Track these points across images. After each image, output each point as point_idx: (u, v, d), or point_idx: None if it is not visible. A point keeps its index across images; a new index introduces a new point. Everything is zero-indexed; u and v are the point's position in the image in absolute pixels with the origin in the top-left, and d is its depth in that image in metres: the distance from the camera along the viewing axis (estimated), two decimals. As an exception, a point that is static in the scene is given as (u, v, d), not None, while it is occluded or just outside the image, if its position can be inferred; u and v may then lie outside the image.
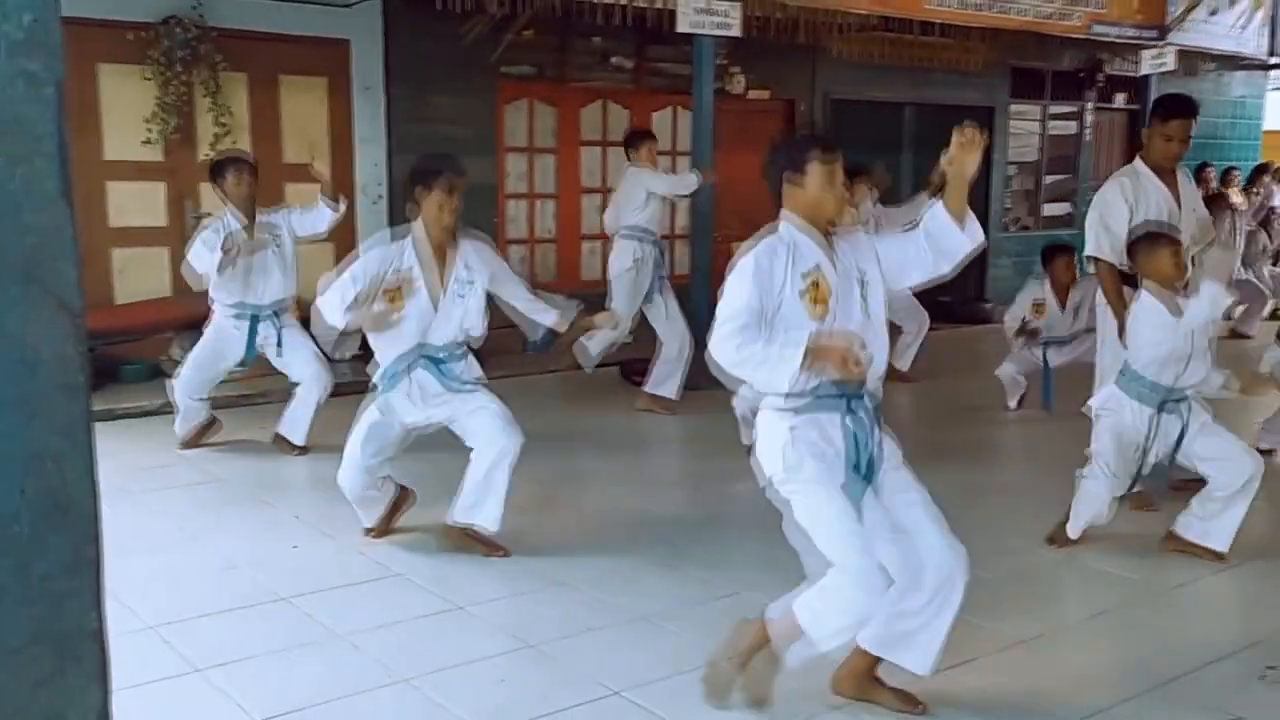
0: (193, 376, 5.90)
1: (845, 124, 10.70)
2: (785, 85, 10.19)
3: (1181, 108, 5.14)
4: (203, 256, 5.67)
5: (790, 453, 2.94)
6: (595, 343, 6.93)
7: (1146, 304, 4.36)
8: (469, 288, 4.39)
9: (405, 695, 3.21)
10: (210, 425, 6.08)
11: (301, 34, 7.97)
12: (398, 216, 8.35)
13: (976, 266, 11.66)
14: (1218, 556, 4.36)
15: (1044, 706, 3.23)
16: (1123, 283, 4.91)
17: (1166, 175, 5.15)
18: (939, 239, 3.01)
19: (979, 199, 11.62)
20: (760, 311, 2.91)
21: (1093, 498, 4.43)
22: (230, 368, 5.97)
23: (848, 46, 9.88)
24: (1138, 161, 5.21)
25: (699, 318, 7.31)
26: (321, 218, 5.99)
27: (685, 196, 7.43)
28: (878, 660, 3.15)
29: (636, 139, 7.15)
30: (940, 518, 3.02)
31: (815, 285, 2.94)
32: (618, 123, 9.57)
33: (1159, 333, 4.28)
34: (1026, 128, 11.94)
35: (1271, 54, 11.45)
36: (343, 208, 6.08)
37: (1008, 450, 6.65)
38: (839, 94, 10.49)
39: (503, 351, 7.92)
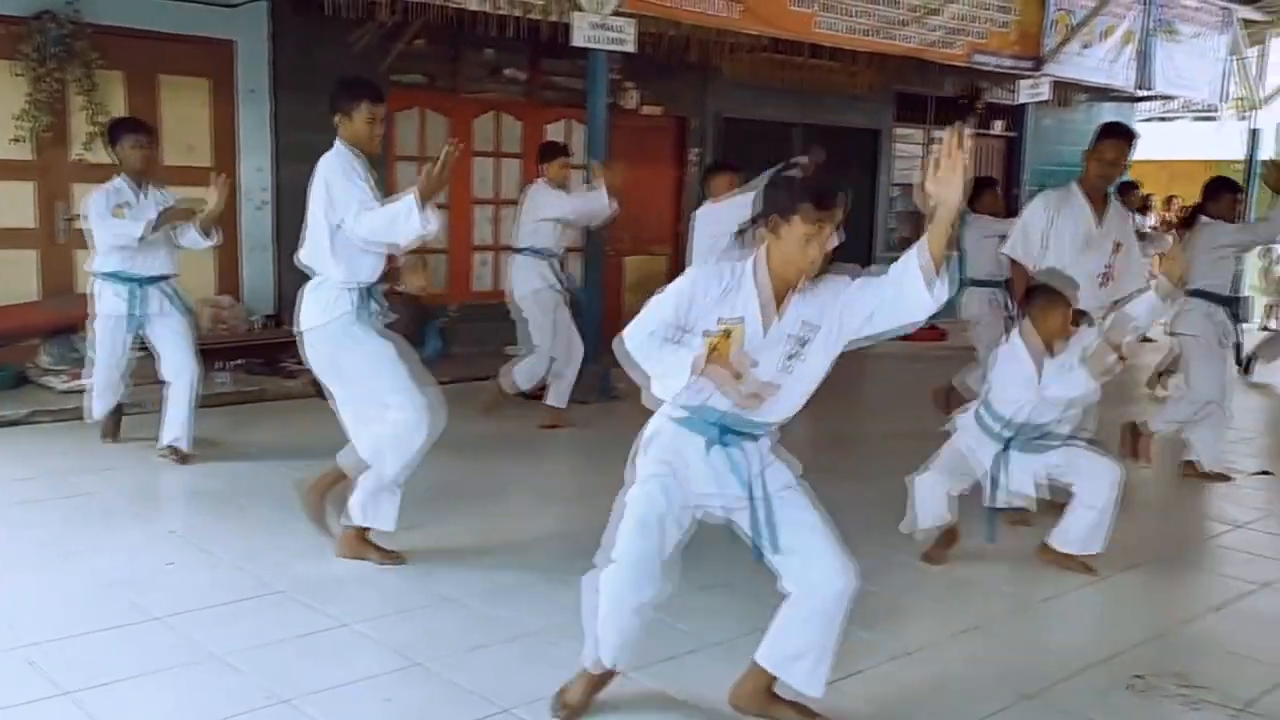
0: (102, 357, 5.77)
1: (736, 143, 10.85)
2: (678, 103, 10.29)
3: (1113, 131, 5.35)
4: (119, 225, 5.54)
5: (648, 445, 3.05)
6: (521, 371, 6.91)
7: (1016, 352, 4.49)
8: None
9: (286, 717, 3.12)
10: (118, 416, 5.94)
11: (183, 33, 7.75)
12: (284, 223, 8.19)
13: (861, 285, 11.95)
14: (1088, 568, 4.53)
15: (926, 718, 3.30)
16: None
17: (1097, 199, 5.35)
18: (905, 291, 2.82)
19: (864, 220, 11.92)
20: (675, 327, 2.93)
21: (924, 495, 4.53)
22: (129, 340, 5.81)
23: (739, 67, 10.03)
24: (1073, 183, 5.42)
25: (592, 332, 7.34)
26: (193, 240, 5.81)
27: (597, 224, 7.23)
28: (775, 677, 3.15)
29: (548, 153, 7.06)
30: (831, 538, 3.02)
31: (725, 334, 2.90)
32: (511, 134, 9.54)
33: (1015, 389, 4.45)
34: (910, 150, 12.28)
35: (1139, 86, 11.99)
36: (214, 241, 5.89)
37: (900, 464, 6.78)
38: (730, 113, 10.64)
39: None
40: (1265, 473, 6.44)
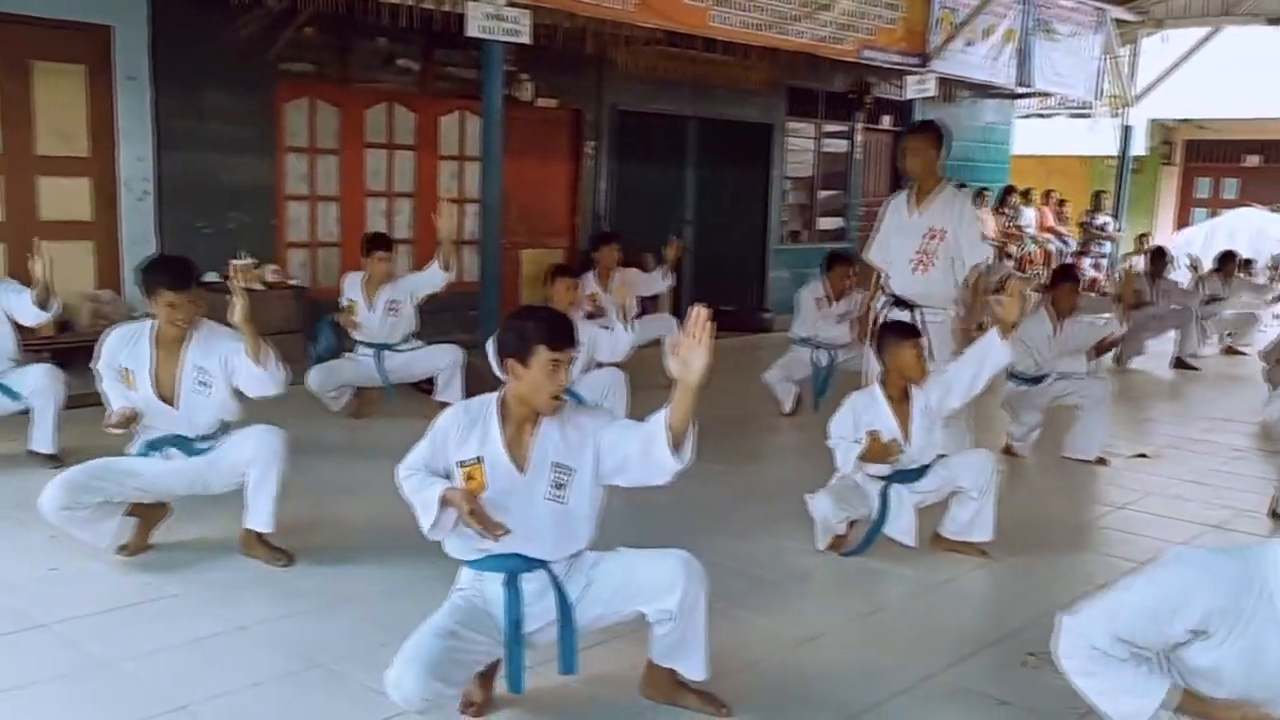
0: None
1: (631, 135, 10.88)
2: (573, 95, 10.25)
3: (913, 126, 5.69)
4: None
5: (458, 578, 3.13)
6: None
7: (876, 403, 4.58)
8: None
9: (183, 723, 3.03)
10: None
11: (58, 18, 7.42)
12: (165, 214, 7.94)
13: (756, 277, 12.09)
14: (981, 552, 4.67)
15: (830, 702, 3.35)
16: None
17: (923, 192, 5.53)
18: (652, 453, 2.91)
19: (759, 211, 12.06)
20: (431, 467, 3.05)
21: (820, 516, 4.61)
22: None
23: (634, 59, 10.04)
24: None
25: (487, 325, 7.28)
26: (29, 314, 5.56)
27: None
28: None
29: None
30: (652, 559, 3.08)
31: (469, 477, 2.97)
32: (404, 126, 9.39)
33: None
34: (802, 145, 12.45)
35: (1019, 83, 12.37)
36: (52, 314, 5.60)
37: (782, 454, 6.89)
38: (625, 105, 10.64)
39: (284, 359, 7.64)
40: (1141, 455, 6.71)
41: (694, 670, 3.16)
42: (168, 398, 4.21)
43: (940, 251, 5.48)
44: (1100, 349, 6.99)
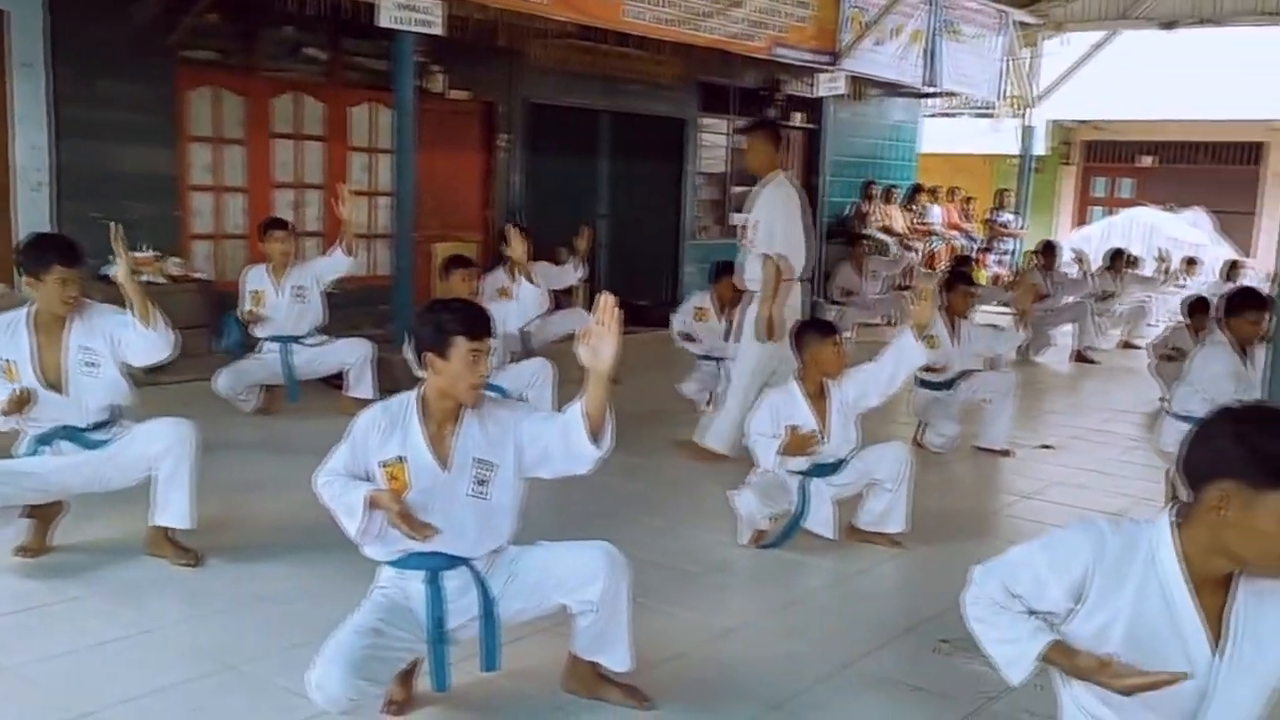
0: None
1: (544, 128, 10.82)
2: (485, 87, 10.16)
3: (749, 125, 6.18)
4: None
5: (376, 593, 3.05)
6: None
7: (793, 399, 4.64)
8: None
9: (89, 731, 2.93)
10: None
11: (-54, -1, 7.12)
12: (63, 205, 7.65)
13: (669, 272, 12.13)
14: (896, 542, 4.74)
15: (752, 691, 3.38)
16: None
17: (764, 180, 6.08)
18: (572, 443, 2.94)
19: (672, 206, 12.10)
20: (351, 470, 3.00)
21: (744, 513, 4.64)
22: None
23: (547, 52, 9.98)
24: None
25: (400, 320, 7.18)
26: None
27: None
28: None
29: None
30: (575, 551, 3.10)
31: (392, 477, 2.94)
32: (313, 116, 9.20)
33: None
34: (714, 140, 12.52)
35: (926, 83, 12.61)
36: None
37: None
38: (538, 98, 10.59)
39: (188, 355, 7.44)
40: (1046, 446, 6.90)
41: (617, 662, 3.15)
42: (55, 384, 4.05)
43: (750, 230, 6.00)
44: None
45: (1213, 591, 2.12)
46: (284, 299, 6.69)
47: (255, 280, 6.75)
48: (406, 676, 3.13)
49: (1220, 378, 5.46)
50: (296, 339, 6.73)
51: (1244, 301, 5.76)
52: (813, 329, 4.77)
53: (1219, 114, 17.26)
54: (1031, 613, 2.24)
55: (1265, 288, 9.94)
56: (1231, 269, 12.37)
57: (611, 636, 3.11)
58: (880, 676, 3.54)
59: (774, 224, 5.86)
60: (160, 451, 4.12)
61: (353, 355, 6.82)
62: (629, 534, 4.34)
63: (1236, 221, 17.96)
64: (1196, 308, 8.47)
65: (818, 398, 4.65)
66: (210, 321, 7.65)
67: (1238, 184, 18.78)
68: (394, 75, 7.59)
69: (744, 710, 3.26)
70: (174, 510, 4.14)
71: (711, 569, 4.48)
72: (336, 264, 6.81)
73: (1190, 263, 13.00)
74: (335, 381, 6.96)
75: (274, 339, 6.70)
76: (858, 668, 3.59)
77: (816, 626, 3.95)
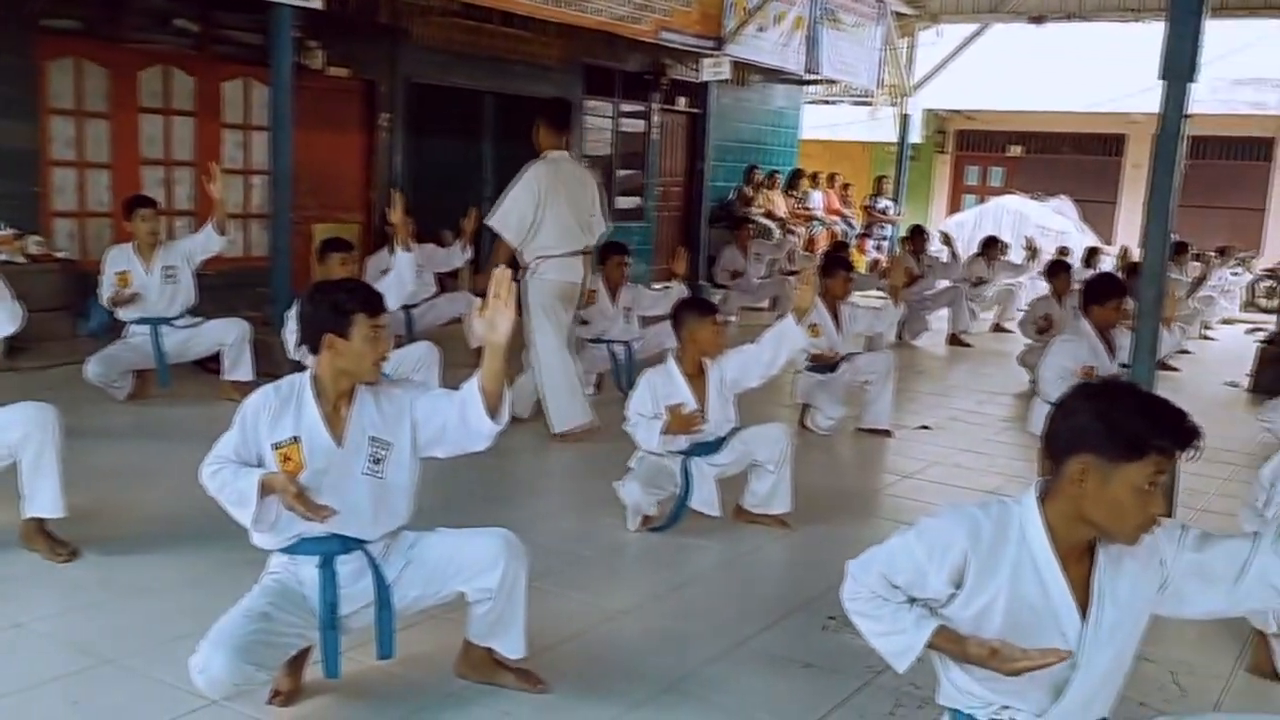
0: None
1: (427, 109, 10.64)
2: (366, 65, 9.93)
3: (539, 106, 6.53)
4: None
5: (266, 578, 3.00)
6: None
7: (672, 378, 4.67)
8: None
9: (-46, 733, 2.78)
10: None
11: None
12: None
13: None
14: (782, 522, 4.82)
15: (644, 672, 3.40)
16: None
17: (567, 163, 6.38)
18: (469, 418, 2.91)
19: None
20: (241, 460, 2.91)
21: (631, 502, 4.64)
22: None
23: (430, 31, 9.82)
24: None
25: (278, 302, 6.98)
26: None
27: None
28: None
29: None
30: (473, 537, 3.07)
31: (285, 458, 2.88)
32: (183, 90, 8.86)
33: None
34: (600, 124, 12.49)
35: (808, 70, 12.80)
36: None
37: (590, 431, 6.92)
38: (420, 78, 10.39)
39: (51, 338, 7.11)
40: (924, 427, 7.10)
41: (512, 648, 3.14)
42: None
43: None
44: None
45: (1078, 561, 2.22)
46: (154, 279, 6.43)
47: (120, 261, 6.46)
48: (295, 665, 3.06)
49: (1066, 373, 5.58)
50: (166, 321, 6.48)
51: (1103, 289, 6.01)
52: (692, 308, 4.80)
53: (1083, 107, 17.98)
54: (912, 601, 2.28)
55: (1116, 269, 10.41)
56: (1091, 255, 12.89)
57: (507, 623, 3.09)
58: (771, 654, 3.59)
59: (504, 200, 6.20)
60: (19, 439, 3.91)
61: (227, 336, 6.59)
62: (518, 518, 4.31)
63: (1099, 210, 18.76)
64: (1056, 270, 8.85)
65: (696, 377, 4.69)
66: (73, 303, 7.32)
67: (1100, 174, 19.60)
68: (270, 50, 7.35)
69: (637, 690, 3.27)
70: (42, 499, 3.94)
71: (602, 552, 4.48)
72: (208, 243, 6.58)
73: (1063, 251, 13.47)
74: (211, 365, 6.74)
75: (142, 321, 6.43)
76: (749, 646, 3.64)
77: (707, 607, 4.00)
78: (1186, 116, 4.67)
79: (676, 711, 3.19)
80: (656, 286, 8.07)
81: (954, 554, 2.21)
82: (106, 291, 6.38)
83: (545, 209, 6.09)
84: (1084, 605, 2.21)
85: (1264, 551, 2.15)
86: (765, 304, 12.05)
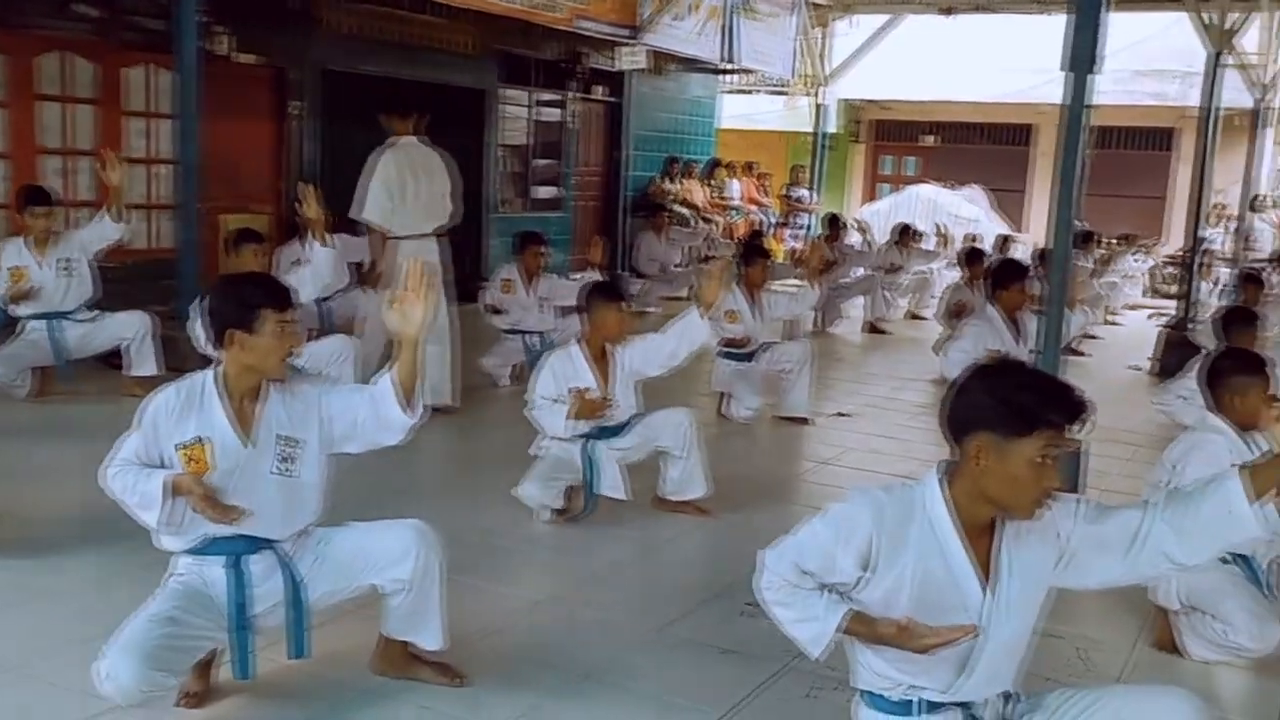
0: None
1: (340, 97, 10.45)
2: (276, 52, 9.71)
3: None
4: None
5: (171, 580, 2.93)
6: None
7: (576, 362, 4.66)
8: None
9: None
10: None
11: None
12: None
13: (471, 246, 11.96)
14: (701, 509, 4.84)
15: (566, 661, 3.39)
16: None
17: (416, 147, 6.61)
18: (382, 412, 2.90)
19: (474, 179, 11.91)
20: (145, 458, 2.84)
21: (534, 503, 4.64)
22: None
23: (342, 17, 9.65)
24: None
25: (186, 295, 6.81)
26: None
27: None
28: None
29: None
30: (384, 530, 3.05)
31: (191, 459, 2.82)
32: (84, 77, 8.58)
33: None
34: (516, 113, 12.38)
35: (724, 59, 12.84)
36: None
37: (507, 421, 6.84)
38: (333, 65, 10.19)
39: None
40: (841, 414, 7.19)
41: (430, 640, 3.10)
42: None
43: None
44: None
45: (980, 539, 2.28)
46: (49, 273, 6.23)
47: (12, 256, 6.23)
48: (204, 667, 2.99)
49: (972, 358, 5.68)
50: (64, 315, 6.27)
51: (1008, 274, 6.16)
52: (598, 293, 4.80)
53: (993, 97, 18.33)
54: (824, 587, 2.31)
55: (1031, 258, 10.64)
56: (1003, 243, 13.17)
57: (423, 615, 3.06)
58: (690, 640, 3.61)
59: (362, 192, 6.43)
60: None
61: (130, 330, 6.41)
62: (435, 510, 4.22)
63: (1010, 198, 19.15)
64: (971, 258, 9.05)
65: (600, 360, 4.69)
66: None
67: (1010, 163, 19.99)
68: (174, 36, 7.15)
69: (557, 680, 3.27)
70: None
71: (520, 543, 4.46)
72: (105, 231, 6.37)
73: (970, 239, 13.72)
74: (116, 361, 6.55)
75: (39, 317, 6.22)
76: (668, 633, 3.66)
77: (627, 595, 4.00)
78: (1089, 107, 4.78)
79: (596, 699, 3.20)
80: (575, 276, 8.04)
81: (861, 537, 2.24)
82: None
83: (398, 192, 6.32)
84: (987, 581, 2.26)
85: (1155, 520, 2.22)
86: (685, 293, 12.09)
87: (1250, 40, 12.81)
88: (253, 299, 2.84)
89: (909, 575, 2.24)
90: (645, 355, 4.70)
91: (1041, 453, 2.13)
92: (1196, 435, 3.62)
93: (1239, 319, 5.29)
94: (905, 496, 2.29)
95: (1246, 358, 3.73)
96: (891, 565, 2.24)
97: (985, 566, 2.27)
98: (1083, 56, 4.70)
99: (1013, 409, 2.14)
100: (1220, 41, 9.27)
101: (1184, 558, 2.22)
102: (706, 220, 13.95)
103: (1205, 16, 9.29)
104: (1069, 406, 2.16)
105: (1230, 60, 10.32)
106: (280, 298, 2.88)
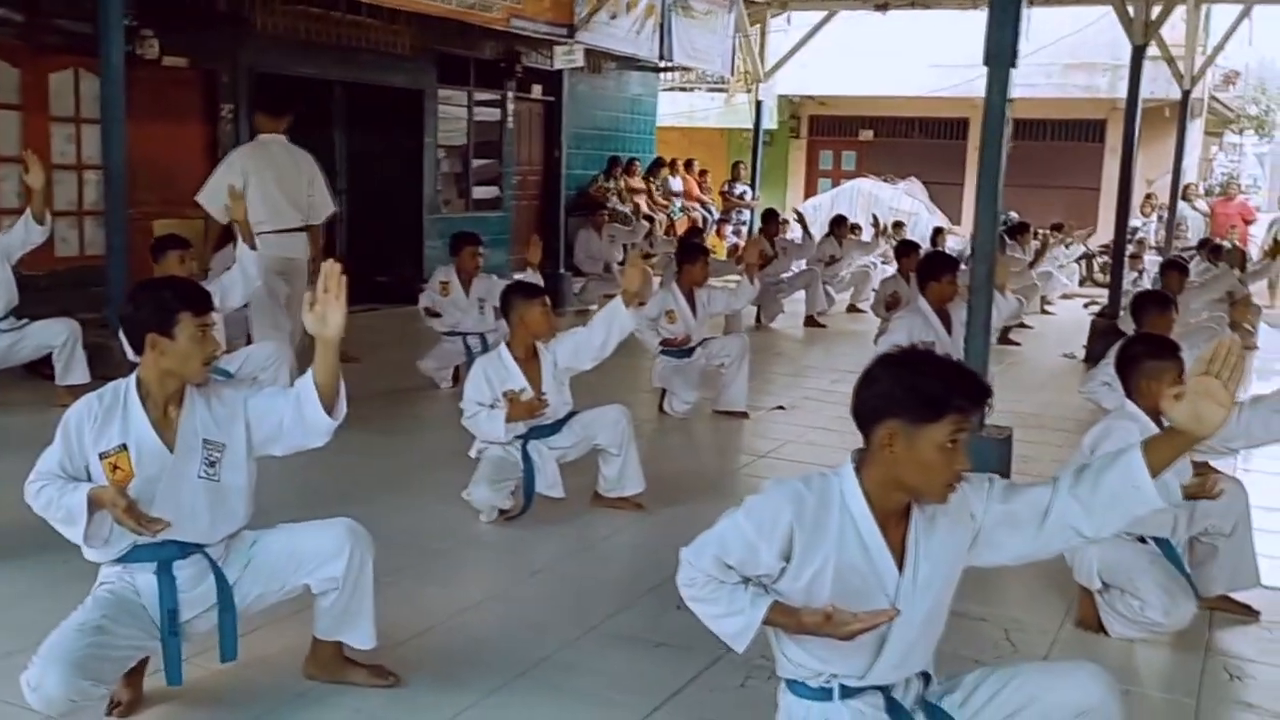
0: None
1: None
2: (206, 55, 9.59)
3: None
4: None
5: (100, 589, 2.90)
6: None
7: (505, 364, 4.67)
8: None
9: None
10: None
11: None
12: None
13: (412, 247, 11.91)
14: (638, 505, 4.87)
15: (501, 659, 3.41)
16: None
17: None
18: (306, 414, 2.86)
19: (412, 180, 11.86)
20: (67, 475, 2.81)
21: (484, 506, 4.63)
22: None
23: (274, 19, 9.55)
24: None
25: (117, 301, 6.71)
26: None
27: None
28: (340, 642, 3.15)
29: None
30: (311, 530, 3.05)
31: (114, 468, 2.80)
32: (7, 81, 8.42)
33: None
34: (454, 113, 12.33)
35: (661, 57, 12.88)
36: None
37: (444, 423, 6.82)
38: (265, 67, 10.09)
39: None
40: (779, 408, 7.26)
41: (362, 639, 3.10)
42: None
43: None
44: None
45: (896, 524, 2.33)
46: None
47: None
48: (134, 675, 2.97)
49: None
50: None
51: (936, 266, 6.26)
52: (519, 292, 4.81)
53: (927, 91, 18.57)
54: (746, 580, 2.35)
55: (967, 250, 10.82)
56: (936, 235, 13.36)
57: (355, 614, 3.06)
58: (624, 635, 3.64)
59: (210, 179, 6.79)
60: None
61: (55, 338, 6.30)
62: (372, 513, 4.21)
63: (947, 191, 19.40)
64: (904, 250, 9.18)
65: (529, 360, 4.70)
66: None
67: (946, 156, 20.25)
68: (100, 39, 7.05)
69: (491, 678, 3.28)
70: None
71: (458, 544, 4.47)
72: (28, 235, 6.25)
73: (898, 226, 13.88)
74: (47, 370, 6.44)
75: None
76: (603, 628, 3.68)
77: (562, 592, 4.02)
78: (1010, 100, 4.88)
79: (531, 696, 3.22)
80: (519, 276, 8.03)
81: (781, 527, 2.28)
82: None
83: (251, 187, 6.49)
84: (902, 564, 2.32)
85: (1062, 496, 2.28)
86: (625, 291, 12.10)
87: (1180, 32, 13.12)
88: (169, 304, 2.82)
89: (830, 564, 2.28)
90: (575, 350, 4.72)
91: (950, 437, 2.19)
92: (1112, 421, 3.71)
93: (1152, 303, 5.39)
94: (823, 486, 2.33)
95: (1158, 342, 3.82)
96: (812, 555, 2.28)
97: (900, 552, 2.32)
98: (1002, 51, 4.79)
99: (920, 396, 2.19)
100: (1143, 34, 9.47)
101: (1091, 531, 2.28)
102: (648, 218, 14.00)
103: (1129, 9, 9.47)
104: (974, 391, 2.23)
105: (1155, 52, 10.55)
106: (198, 302, 2.86)
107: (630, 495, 4.87)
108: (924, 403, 2.19)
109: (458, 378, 7.31)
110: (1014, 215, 15.22)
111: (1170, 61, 12.57)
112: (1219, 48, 14.02)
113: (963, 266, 6.84)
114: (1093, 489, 2.23)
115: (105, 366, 6.14)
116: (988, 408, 2.28)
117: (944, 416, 2.18)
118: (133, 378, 2.89)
